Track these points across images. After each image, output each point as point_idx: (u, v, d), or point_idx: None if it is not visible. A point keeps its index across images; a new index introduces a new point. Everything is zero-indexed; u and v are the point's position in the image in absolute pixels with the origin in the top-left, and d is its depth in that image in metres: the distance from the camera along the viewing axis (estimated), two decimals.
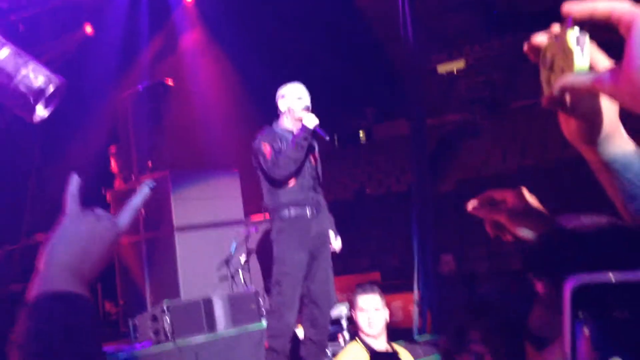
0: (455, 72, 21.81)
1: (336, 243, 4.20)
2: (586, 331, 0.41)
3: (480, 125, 18.45)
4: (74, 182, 0.88)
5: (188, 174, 5.91)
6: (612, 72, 0.57)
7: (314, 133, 3.88)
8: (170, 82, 6.41)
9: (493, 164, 15.21)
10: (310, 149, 3.99)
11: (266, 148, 3.86)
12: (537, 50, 0.72)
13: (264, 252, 5.44)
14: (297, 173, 3.88)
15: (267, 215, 4.23)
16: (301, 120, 3.92)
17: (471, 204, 0.99)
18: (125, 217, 0.89)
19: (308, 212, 3.90)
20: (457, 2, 19.46)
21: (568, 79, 0.63)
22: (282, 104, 4.01)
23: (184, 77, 7.39)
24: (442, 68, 21.68)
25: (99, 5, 7.86)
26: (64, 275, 0.78)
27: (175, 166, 5.84)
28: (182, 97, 6.40)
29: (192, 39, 8.09)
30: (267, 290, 4.64)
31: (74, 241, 0.82)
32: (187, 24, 8.05)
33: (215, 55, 8.08)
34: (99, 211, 0.88)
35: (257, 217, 5.99)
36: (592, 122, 0.69)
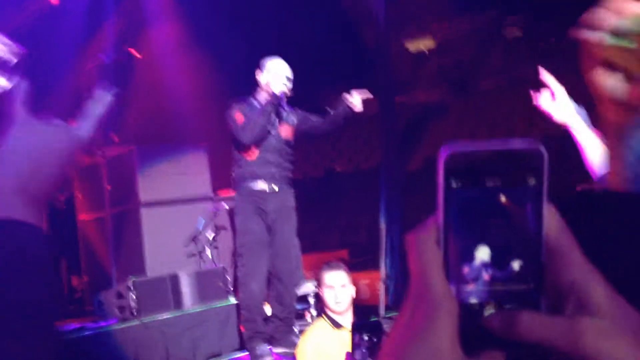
0: (425, 51, 21.86)
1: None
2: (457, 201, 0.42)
3: (448, 105, 18.61)
4: (20, 87, 0.79)
5: (155, 149, 5.81)
6: None
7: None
8: (136, 54, 6.25)
9: None
10: (279, 117, 4.04)
11: (237, 114, 3.92)
12: (591, 47, 0.65)
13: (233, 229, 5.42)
14: (259, 146, 3.92)
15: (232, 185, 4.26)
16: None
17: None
18: (86, 126, 0.80)
19: (267, 186, 3.92)
20: None
21: None
22: (262, 76, 4.03)
23: (151, 50, 7.21)
24: (412, 46, 21.69)
25: None
26: (8, 197, 0.72)
27: (142, 141, 5.74)
28: (149, 70, 6.26)
29: (159, 9, 7.88)
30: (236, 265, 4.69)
31: (22, 154, 0.75)
32: None
33: (184, 27, 7.88)
34: (55, 120, 0.79)
35: (225, 193, 5.94)
36: None
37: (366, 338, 1.40)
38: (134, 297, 4.32)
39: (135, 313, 4.29)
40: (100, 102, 0.74)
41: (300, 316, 5.12)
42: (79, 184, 6.16)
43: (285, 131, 4.12)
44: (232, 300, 4.77)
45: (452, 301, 0.40)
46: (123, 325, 4.25)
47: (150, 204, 5.48)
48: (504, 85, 19.16)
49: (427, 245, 0.42)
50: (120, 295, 4.42)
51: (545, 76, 1.63)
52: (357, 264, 6.22)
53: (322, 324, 3.15)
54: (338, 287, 3.11)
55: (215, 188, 5.92)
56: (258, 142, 3.93)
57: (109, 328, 4.24)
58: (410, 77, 20.18)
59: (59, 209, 6.64)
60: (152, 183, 5.56)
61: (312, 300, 5.05)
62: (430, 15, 21.05)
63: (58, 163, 0.62)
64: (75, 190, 6.20)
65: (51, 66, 6.61)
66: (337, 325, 3.08)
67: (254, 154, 3.95)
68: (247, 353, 4.01)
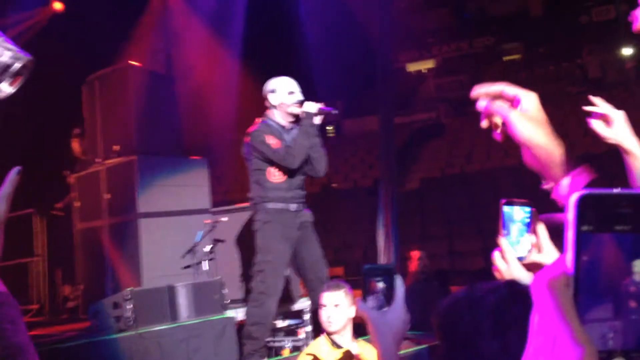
0: (424, 72, 22.02)
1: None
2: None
3: (445, 125, 18.72)
4: None
5: (155, 160, 5.83)
6: None
7: (323, 115, 4.00)
8: (141, 65, 6.30)
9: (457, 164, 15.44)
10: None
11: (271, 139, 3.92)
12: None
13: (239, 242, 5.44)
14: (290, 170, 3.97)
15: (251, 205, 4.27)
16: (292, 114, 4.03)
17: (478, 92, 1.00)
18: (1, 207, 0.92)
19: (293, 207, 3.99)
20: (429, 2, 19.61)
21: None
22: (272, 98, 4.06)
23: (156, 61, 7.27)
24: (412, 67, 21.85)
25: None
26: None
27: (143, 152, 5.75)
28: (153, 82, 6.30)
29: (169, 22, 7.91)
30: (245, 278, 4.71)
31: None
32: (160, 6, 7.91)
33: (190, 41, 7.91)
34: None
35: (225, 207, 5.98)
36: None
37: (380, 285, 1.28)
38: (131, 307, 4.33)
39: (131, 323, 4.30)
40: (10, 183, 0.82)
41: (293, 332, 5.12)
42: (78, 193, 6.17)
43: None
44: (229, 313, 4.78)
45: (593, 346, 0.42)
46: (119, 335, 4.25)
47: (149, 215, 5.50)
48: None
49: (561, 291, 0.43)
50: (116, 305, 4.42)
51: (599, 102, 1.70)
52: (353, 282, 6.24)
53: (322, 342, 3.16)
54: (331, 307, 3.10)
55: (214, 201, 5.95)
56: (302, 165, 3.98)
57: (104, 337, 4.24)
58: (409, 97, 20.33)
59: (57, 216, 6.65)
60: (151, 194, 5.58)
61: (306, 317, 5.07)
62: (431, 38, 21.28)
63: None
64: (74, 198, 6.21)
65: (56, 74, 6.64)
66: (336, 345, 3.09)
67: (281, 178, 3.98)
68: None
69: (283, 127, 4.08)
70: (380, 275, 1.28)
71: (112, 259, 5.64)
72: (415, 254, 6.07)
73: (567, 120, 14.16)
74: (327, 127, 19.77)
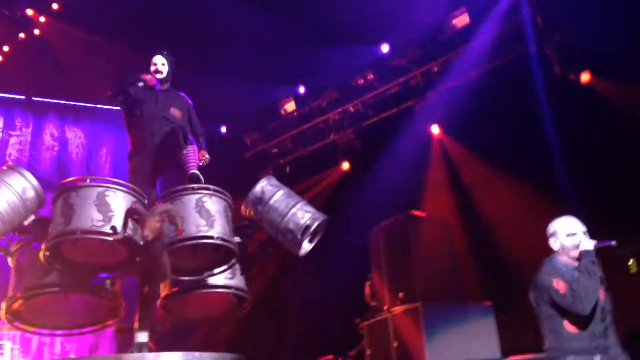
0: None
1: None
2: None
3: None
4: None
5: (440, 307, 5.79)
6: None
7: (599, 251, 3.68)
8: (423, 214, 6.52)
9: None
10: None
11: (559, 283, 3.71)
12: None
13: None
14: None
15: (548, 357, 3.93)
16: (579, 255, 3.75)
17: None
18: None
19: None
20: None
21: None
22: (553, 242, 3.87)
23: (438, 207, 7.45)
24: None
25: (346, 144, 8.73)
26: None
27: (427, 298, 5.78)
28: (436, 228, 6.45)
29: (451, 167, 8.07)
30: None
31: None
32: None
33: (472, 178, 7.78)
34: None
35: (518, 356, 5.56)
36: None
37: None
38: None
39: None
40: None
41: None
42: (368, 340, 6.38)
43: (602, 294, 3.80)
44: None
45: None
46: None
47: None
48: None
49: None
50: None
51: None
52: None
53: None
54: None
55: (505, 352, 5.58)
56: (594, 309, 3.66)
57: None
58: None
59: None
60: (438, 342, 5.50)
61: None
62: None
63: None
64: (365, 345, 6.43)
65: (347, 227, 7.21)
66: None
67: (581, 326, 3.67)
68: None
69: (572, 266, 3.77)
70: None
71: None
72: None
73: None
74: (629, 262, 17.60)
